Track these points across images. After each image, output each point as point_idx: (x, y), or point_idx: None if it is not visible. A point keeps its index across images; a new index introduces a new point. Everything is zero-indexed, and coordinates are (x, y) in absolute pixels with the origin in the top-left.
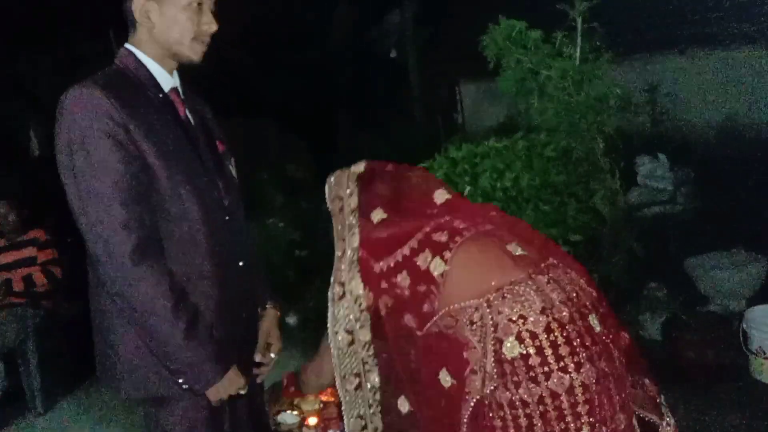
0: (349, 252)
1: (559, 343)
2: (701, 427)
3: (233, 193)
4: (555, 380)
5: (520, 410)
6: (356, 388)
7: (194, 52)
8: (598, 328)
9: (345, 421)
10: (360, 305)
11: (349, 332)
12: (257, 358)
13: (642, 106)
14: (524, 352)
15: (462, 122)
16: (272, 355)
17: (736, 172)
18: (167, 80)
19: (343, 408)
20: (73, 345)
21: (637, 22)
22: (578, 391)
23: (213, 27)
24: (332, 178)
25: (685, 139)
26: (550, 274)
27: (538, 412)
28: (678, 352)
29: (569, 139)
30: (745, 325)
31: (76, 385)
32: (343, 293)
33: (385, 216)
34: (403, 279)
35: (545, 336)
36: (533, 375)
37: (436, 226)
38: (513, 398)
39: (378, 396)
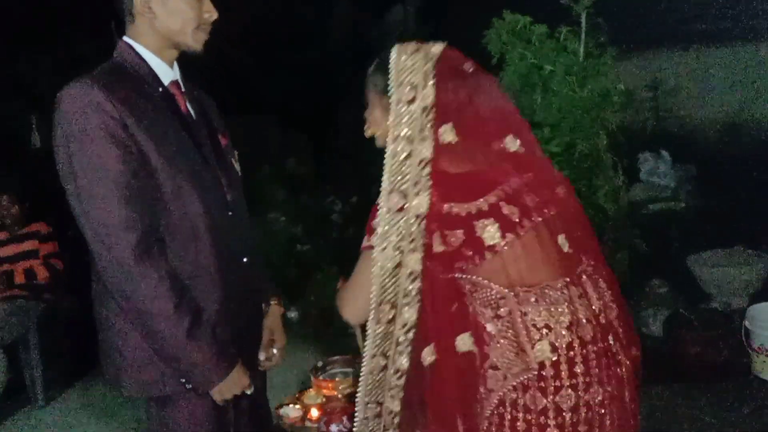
0: (416, 159)
1: (576, 361)
2: (702, 425)
3: (236, 188)
4: (563, 395)
5: (521, 414)
6: (389, 321)
7: (196, 41)
8: (614, 349)
9: (364, 359)
10: (420, 226)
11: (399, 251)
12: (261, 356)
13: (645, 102)
14: (541, 361)
15: None
16: (275, 352)
17: (738, 169)
18: (167, 73)
19: (366, 342)
20: (74, 338)
21: (642, 18)
22: (582, 410)
23: (214, 15)
24: (403, 57)
25: (688, 136)
26: (585, 287)
27: (538, 421)
28: (680, 349)
29: (573, 135)
30: (747, 323)
31: (78, 377)
32: (404, 206)
33: (455, 139)
34: (457, 236)
35: (565, 352)
36: (543, 386)
37: (507, 195)
38: (517, 400)
39: (410, 335)
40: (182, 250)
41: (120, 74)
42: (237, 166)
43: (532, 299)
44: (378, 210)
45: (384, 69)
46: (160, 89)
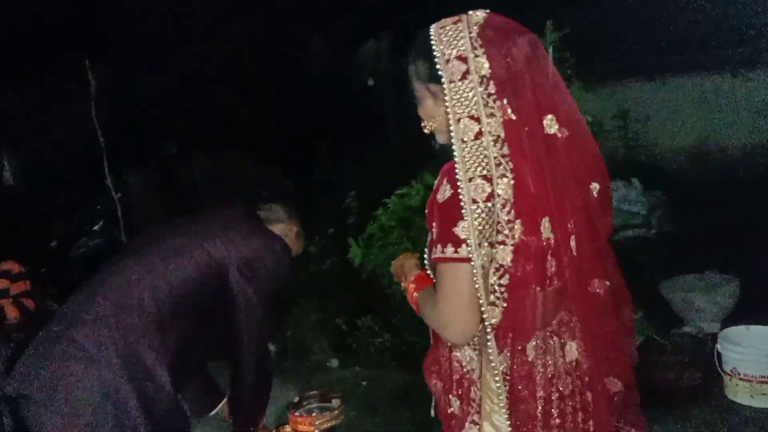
0: (489, 139)
1: (554, 415)
2: None
3: None
4: None
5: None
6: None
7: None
8: (591, 405)
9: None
10: (510, 214)
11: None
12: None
13: (614, 131)
14: None
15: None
16: None
17: (707, 195)
18: None
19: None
20: None
21: (607, 51)
22: None
23: (300, 251)
24: (444, 31)
25: (657, 164)
26: (561, 338)
27: None
28: (654, 375)
29: None
30: (719, 346)
31: None
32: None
33: (513, 117)
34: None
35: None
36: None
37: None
38: None
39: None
40: None
41: None
42: None
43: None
44: (443, 208)
45: (424, 54)
46: None
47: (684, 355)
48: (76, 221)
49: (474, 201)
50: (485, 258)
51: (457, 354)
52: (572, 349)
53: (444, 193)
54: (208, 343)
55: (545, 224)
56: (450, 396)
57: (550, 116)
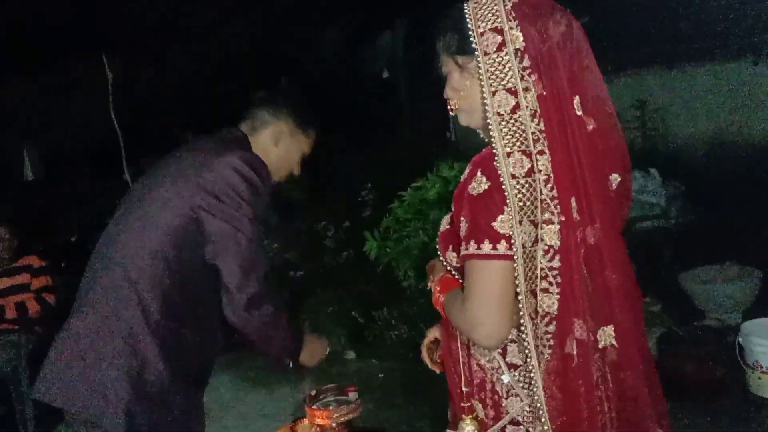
0: (526, 113)
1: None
2: None
3: None
4: None
5: None
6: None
7: (279, 177)
8: None
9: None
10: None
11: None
12: None
13: (632, 121)
14: None
15: (455, 141)
16: None
17: (727, 185)
18: None
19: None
20: None
21: (626, 40)
22: None
23: (298, 172)
24: (477, 6)
25: (675, 154)
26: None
27: None
28: (675, 368)
29: None
30: (740, 339)
31: None
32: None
33: (544, 92)
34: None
35: None
36: None
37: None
38: None
39: (552, 327)
40: None
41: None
42: None
43: None
44: (477, 201)
45: (455, 27)
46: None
47: (705, 348)
48: (95, 215)
49: (513, 176)
50: (524, 236)
51: (476, 353)
52: (606, 334)
53: (479, 185)
54: (202, 310)
55: (573, 204)
56: (472, 401)
57: (577, 98)
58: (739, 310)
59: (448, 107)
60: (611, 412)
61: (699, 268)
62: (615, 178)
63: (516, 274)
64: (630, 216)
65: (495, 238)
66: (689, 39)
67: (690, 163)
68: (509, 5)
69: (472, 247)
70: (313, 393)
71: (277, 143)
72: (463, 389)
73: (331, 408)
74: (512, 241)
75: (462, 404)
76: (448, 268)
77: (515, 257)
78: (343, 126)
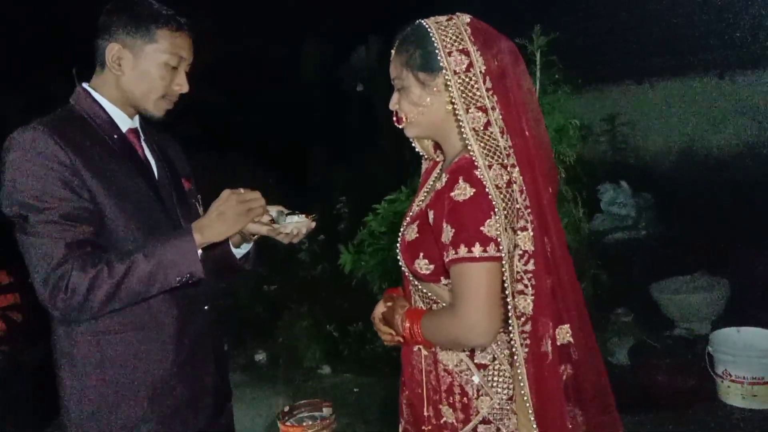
0: (496, 129)
1: None
2: None
3: None
4: None
5: None
6: (506, 186)
7: (158, 109)
8: None
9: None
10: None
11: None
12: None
13: (602, 135)
14: None
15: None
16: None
17: (696, 196)
18: (125, 121)
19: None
20: (33, 390)
21: (594, 55)
22: None
23: (184, 88)
24: (442, 27)
25: (645, 166)
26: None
27: None
28: (646, 378)
29: None
30: (710, 349)
31: (38, 431)
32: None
33: (502, 113)
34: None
35: None
36: None
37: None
38: None
39: (528, 327)
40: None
41: (73, 120)
42: (200, 210)
43: None
44: (464, 207)
45: (419, 44)
46: (115, 136)
47: (676, 358)
48: None
49: (497, 187)
50: (507, 241)
51: (443, 359)
52: (563, 332)
53: (464, 191)
54: None
55: (540, 212)
56: (440, 406)
57: (524, 118)
58: (708, 320)
59: (394, 118)
60: (573, 405)
61: (669, 279)
62: (551, 191)
63: (504, 275)
64: (601, 228)
65: (485, 241)
66: (658, 54)
67: (660, 176)
68: (469, 30)
69: (463, 251)
70: (287, 409)
71: (120, 67)
72: (432, 396)
73: (305, 424)
74: (500, 245)
75: (425, 413)
76: (411, 278)
77: (504, 259)
78: (318, 140)
